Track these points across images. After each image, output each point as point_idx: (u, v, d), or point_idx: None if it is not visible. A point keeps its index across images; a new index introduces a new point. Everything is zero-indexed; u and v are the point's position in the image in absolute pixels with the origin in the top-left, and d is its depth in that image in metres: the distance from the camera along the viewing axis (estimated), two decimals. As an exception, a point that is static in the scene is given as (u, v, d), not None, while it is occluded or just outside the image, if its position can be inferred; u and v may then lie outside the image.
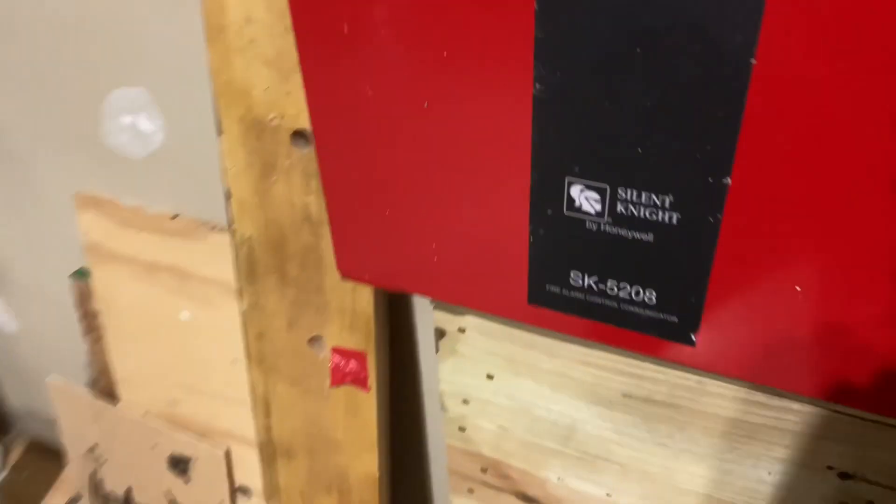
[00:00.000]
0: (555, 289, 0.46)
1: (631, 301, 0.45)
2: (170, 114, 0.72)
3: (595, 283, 0.45)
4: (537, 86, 0.38)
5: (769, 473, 0.61)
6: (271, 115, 0.60)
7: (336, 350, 0.70)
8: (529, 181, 0.42)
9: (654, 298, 0.44)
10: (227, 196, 0.66)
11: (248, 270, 0.69)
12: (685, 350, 0.46)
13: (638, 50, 0.35)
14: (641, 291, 0.44)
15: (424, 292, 0.51)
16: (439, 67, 0.40)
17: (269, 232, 0.66)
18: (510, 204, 0.44)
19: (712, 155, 0.37)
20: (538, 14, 0.36)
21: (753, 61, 0.33)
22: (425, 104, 0.42)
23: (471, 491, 0.79)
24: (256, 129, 0.62)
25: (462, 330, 0.66)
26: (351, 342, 0.69)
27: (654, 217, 0.41)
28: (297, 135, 0.61)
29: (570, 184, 0.41)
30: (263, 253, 0.68)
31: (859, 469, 0.57)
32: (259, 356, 0.74)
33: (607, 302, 0.45)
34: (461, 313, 0.64)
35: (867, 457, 0.56)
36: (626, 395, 0.63)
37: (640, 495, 0.69)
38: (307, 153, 0.61)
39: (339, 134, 0.46)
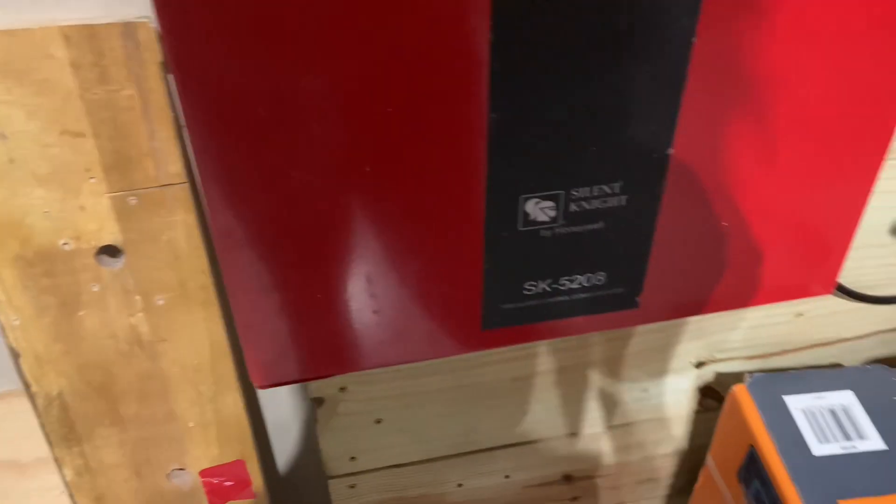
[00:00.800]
0: (510, 306, 0.46)
1: (583, 289, 0.46)
2: None
3: (549, 285, 0.46)
4: (493, 116, 0.37)
5: (645, 390, 0.68)
6: (62, 241, 0.49)
7: (206, 473, 0.60)
8: (483, 212, 0.41)
9: (603, 279, 0.46)
10: (16, 356, 0.52)
11: (65, 433, 0.56)
12: (628, 314, 0.49)
13: (591, 58, 0.36)
14: (592, 276, 0.46)
15: (363, 367, 0.47)
16: (384, 125, 0.36)
17: (88, 377, 0.54)
18: (463, 240, 0.42)
19: (658, 132, 0.40)
20: (494, 46, 0.35)
21: (694, 40, 0.37)
22: (367, 168, 0.38)
23: (368, 543, 0.75)
24: (43, 263, 0.49)
25: (343, 389, 0.61)
26: (223, 455, 0.60)
27: (605, 205, 0.43)
28: (105, 251, 0.50)
29: (525, 201, 0.41)
30: (83, 404, 0.55)
31: (708, 355, 0.67)
32: (103, 524, 0.60)
33: (561, 298, 0.47)
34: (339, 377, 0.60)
35: (711, 343, 0.66)
36: (515, 379, 0.65)
37: (537, 463, 0.72)
38: (120, 269, 0.50)
39: (253, 232, 0.39)
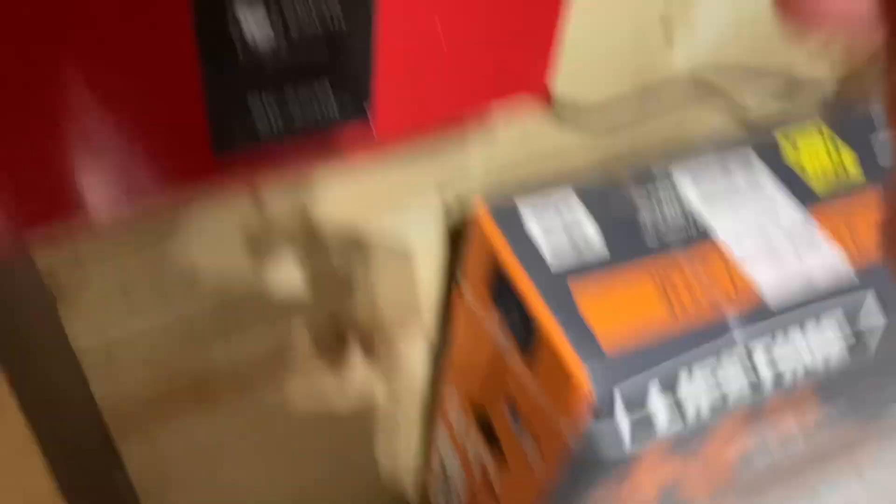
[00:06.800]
0: (237, 124, 0.45)
1: (311, 100, 0.46)
2: None
3: (276, 98, 0.45)
4: None
5: (397, 227, 0.71)
6: None
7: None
8: (192, 24, 0.39)
9: (328, 87, 0.47)
10: None
11: None
12: (364, 136, 0.50)
13: None
14: (316, 82, 0.46)
15: (95, 214, 0.44)
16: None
17: None
18: (177, 59, 0.40)
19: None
20: None
21: None
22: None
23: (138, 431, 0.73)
24: None
25: (81, 263, 0.57)
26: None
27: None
28: None
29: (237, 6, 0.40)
30: None
31: (449, 182, 0.71)
32: None
33: (291, 112, 0.46)
34: (73, 247, 0.55)
35: (448, 170, 0.70)
36: (263, 233, 0.65)
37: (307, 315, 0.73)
38: None
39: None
